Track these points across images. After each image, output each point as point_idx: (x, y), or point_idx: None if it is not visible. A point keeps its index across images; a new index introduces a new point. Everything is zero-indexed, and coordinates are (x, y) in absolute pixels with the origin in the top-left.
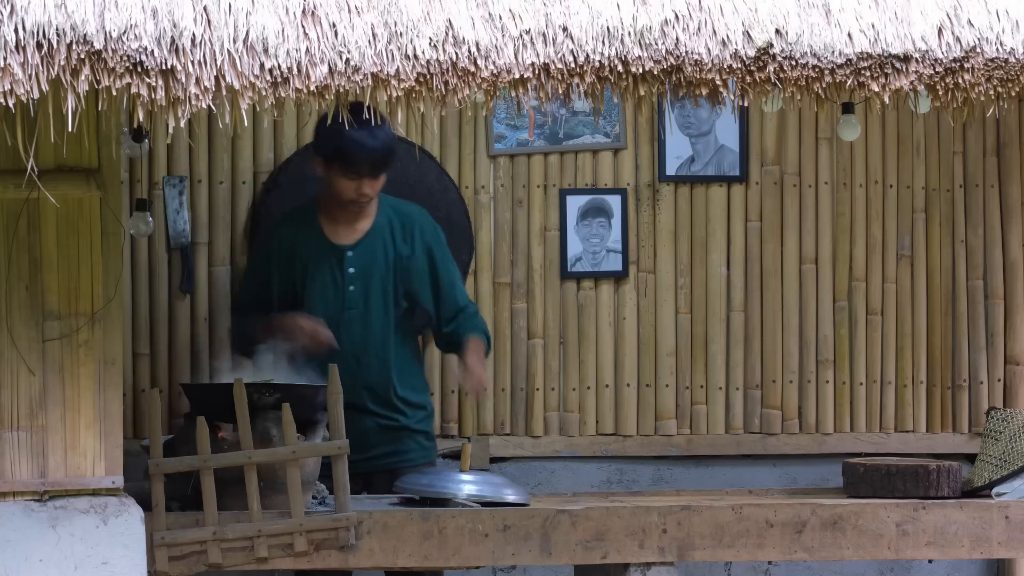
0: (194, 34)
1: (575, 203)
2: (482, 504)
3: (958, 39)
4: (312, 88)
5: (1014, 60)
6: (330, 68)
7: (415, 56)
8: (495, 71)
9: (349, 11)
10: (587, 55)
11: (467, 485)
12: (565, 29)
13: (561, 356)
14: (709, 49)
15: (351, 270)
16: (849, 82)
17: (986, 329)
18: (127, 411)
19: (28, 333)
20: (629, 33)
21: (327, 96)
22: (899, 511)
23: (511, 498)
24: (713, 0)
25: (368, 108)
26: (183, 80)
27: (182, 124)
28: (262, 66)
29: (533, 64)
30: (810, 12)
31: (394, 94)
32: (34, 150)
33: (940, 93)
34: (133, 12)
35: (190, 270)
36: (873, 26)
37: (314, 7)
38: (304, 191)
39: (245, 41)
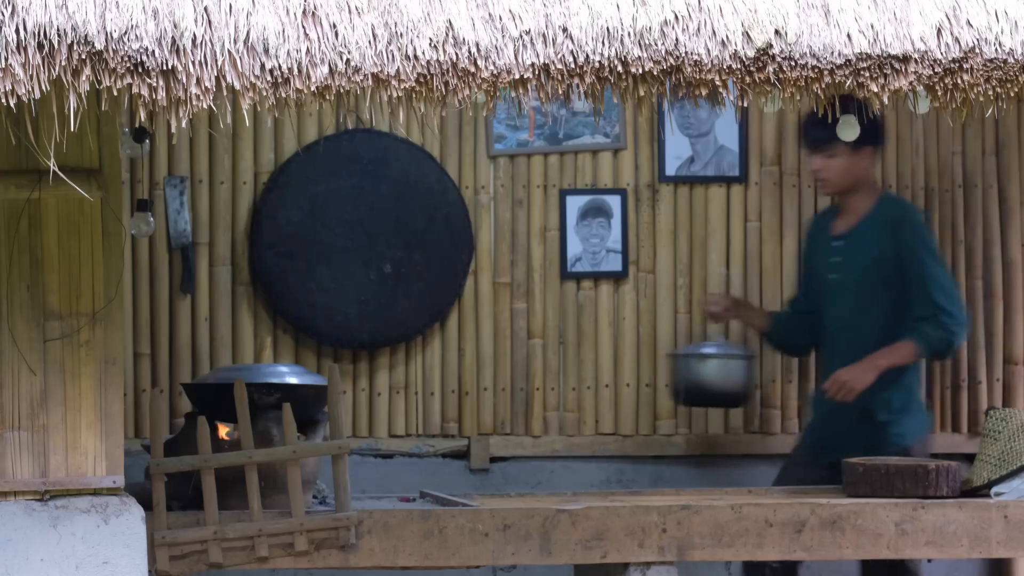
0: (195, 34)
1: (575, 203)
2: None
3: (957, 40)
4: (313, 88)
5: (1013, 60)
6: (331, 68)
7: (415, 57)
8: (495, 71)
9: (349, 12)
10: (587, 55)
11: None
12: (565, 30)
13: (561, 356)
14: (709, 50)
15: (835, 259)
16: (848, 83)
17: (985, 329)
18: (128, 411)
19: (29, 333)
20: (629, 34)
21: (328, 96)
22: (898, 511)
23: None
24: (713, 1)
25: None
26: (184, 80)
27: (183, 124)
28: (263, 66)
29: (533, 64)
30: (809, 13)
31: (394, 94)
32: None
33: (939, 93)
34: (134, 13)
35: (191, 270)
36: (872, 27)
37: (314, 7)
38: (304, 191)
39: (246, 42)
